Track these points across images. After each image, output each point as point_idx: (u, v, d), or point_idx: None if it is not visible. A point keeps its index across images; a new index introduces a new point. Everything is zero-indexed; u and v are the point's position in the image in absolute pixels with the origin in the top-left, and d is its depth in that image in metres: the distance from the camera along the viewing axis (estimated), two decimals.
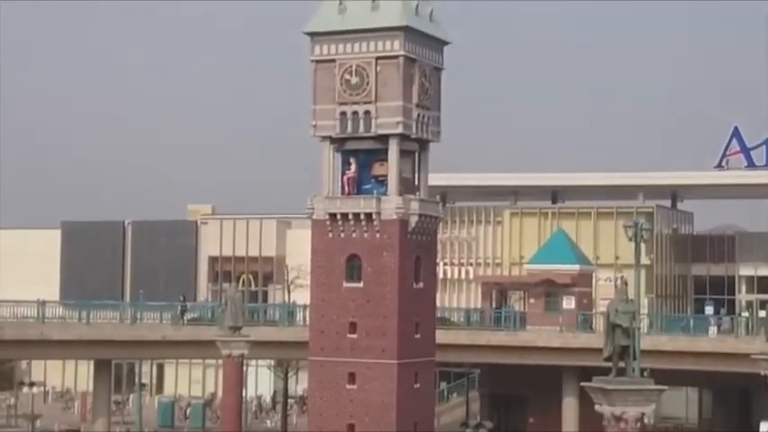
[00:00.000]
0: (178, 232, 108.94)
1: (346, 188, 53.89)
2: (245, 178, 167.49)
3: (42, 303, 69.88)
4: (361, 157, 53.96)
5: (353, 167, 53.90)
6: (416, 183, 55.29)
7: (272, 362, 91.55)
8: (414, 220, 53.17)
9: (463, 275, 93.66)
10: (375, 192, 53.23)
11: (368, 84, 52.70)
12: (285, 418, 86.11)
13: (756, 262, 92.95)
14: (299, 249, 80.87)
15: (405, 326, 52.72)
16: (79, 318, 71.39)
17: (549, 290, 75.89)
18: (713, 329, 69.30)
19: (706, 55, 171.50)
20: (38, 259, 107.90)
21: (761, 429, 66.88)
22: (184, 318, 72.66)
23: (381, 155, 53.45)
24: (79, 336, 68.57)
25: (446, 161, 69.19)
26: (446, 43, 55.53)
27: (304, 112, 54.52)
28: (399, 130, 52.55)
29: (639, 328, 35.28)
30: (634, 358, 34.08)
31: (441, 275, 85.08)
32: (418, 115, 53.53)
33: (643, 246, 39.46)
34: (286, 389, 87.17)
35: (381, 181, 53.56)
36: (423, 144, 55.19)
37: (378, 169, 53.66)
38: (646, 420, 33.53)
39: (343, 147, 54.04)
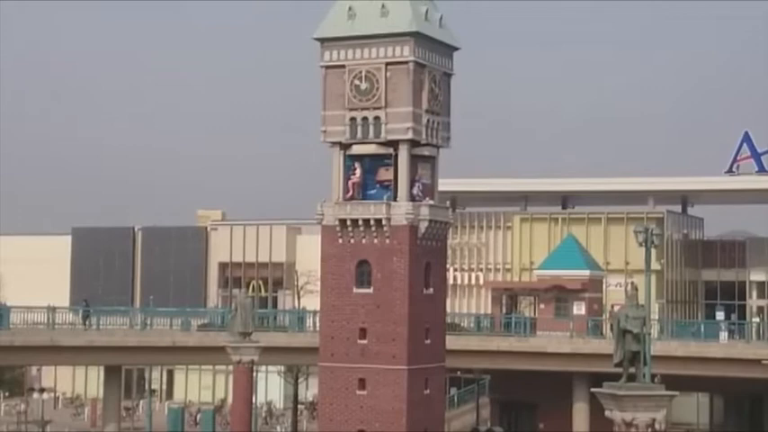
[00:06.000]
0: (188, 238, 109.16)
1: (351, 193, 53.81)
2: (255, 184, 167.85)
3: (53, 309, 69.97)
4: (366, 162, 53.88)
5: (358, 172, 53.80)
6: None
7: (283, 368, 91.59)
8: (424, 225, 53.09)
9: (473, 281, 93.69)
10: (384, 197, 53.12)
11: (377, 89, 52.65)
12: (295, 423, 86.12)
13: (767, 267, 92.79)
14: (309, 255, 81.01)
15: (415, 332, 52.64)
16: (89, 324, 71.41)
17: (560, 295, 75.78)
18: (724, 335, 69.08)
19: (717, 59, 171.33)
20: (48, 265, 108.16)
21: None
22: (87, 323, 71.96)
23: (387, 160, 53.42)
24: (89, 342, 68.63)
25: (456, 167, 69.23)
26: (456, 49, 55.46)
27: (314, 117, 54.59)
28: (409, 135, 52.49)
29: (650, 334, 35.20)
30: (644, 364, 34.01)
31: (451, 281, 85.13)
32: (428, 121, 53.46)
33: (653, 251, 39.40)
34: (296, 395, 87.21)
35: (386, 186, 53.49)
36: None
37: (383, 174, 53.55)
38: (656, 426, 33.44)
39: (348, 151, 53.97)
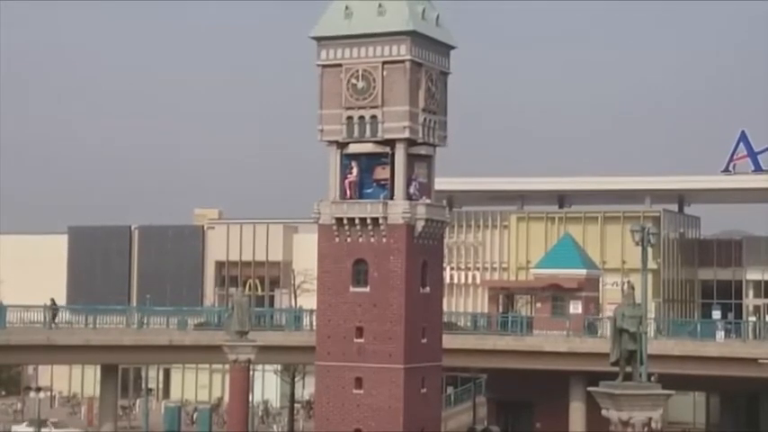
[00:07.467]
0: (185, 237, 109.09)
1: (348, 192, 53.81)
2: (252, 183, 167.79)
3: (49, 308, 69.89)
4: (363, 160, 53.89)
5: (355, 171, 53.83)
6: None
7: (279, 367, 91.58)
8: (420, 224, 53.12)
9: (470, 280, 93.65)
10: (381, 196, 53.13)
11: (374, 88, 52.68)
12: (292, 422, 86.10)
13: (763, 266, 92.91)
14: (306, 254, 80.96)
15: (411, 330, 52.68)
16: (86, 322, 71.42)
17: (556, 294, 75.74)
18: (720, 334, 69.11)
19: (713, 59, 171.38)
20: (45, 264, 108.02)
21: None
22: (55, 320, 71.65)
23: (383, 159, 53.40)
24: (86, 340, 68.60)
25: (453, 166, 69.24)
26: (452, 48, 55.50)
27: (311, 116, 54.60)
28: (406, 134, 52.52)
29: (646, 333, 35.19)
30: (641, 363, 34.01)
31: (447, 280, 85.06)
32: (425, 120, 53.50)
33: (650, 250, 39.42)
34: (293, 393, 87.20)
35: (383, 185, 53.49)
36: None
37: (380, 173, 53.57)
38: (653, 425, 33.45)
39: (344, 150, 53.97)
